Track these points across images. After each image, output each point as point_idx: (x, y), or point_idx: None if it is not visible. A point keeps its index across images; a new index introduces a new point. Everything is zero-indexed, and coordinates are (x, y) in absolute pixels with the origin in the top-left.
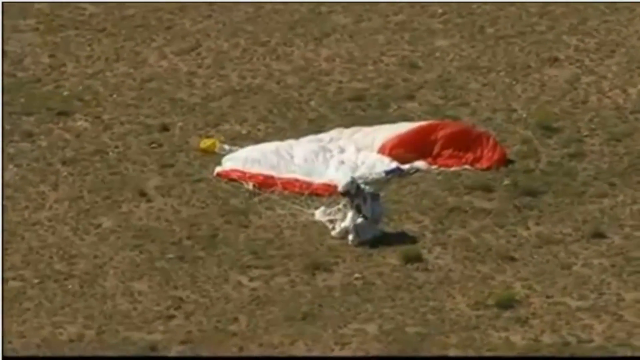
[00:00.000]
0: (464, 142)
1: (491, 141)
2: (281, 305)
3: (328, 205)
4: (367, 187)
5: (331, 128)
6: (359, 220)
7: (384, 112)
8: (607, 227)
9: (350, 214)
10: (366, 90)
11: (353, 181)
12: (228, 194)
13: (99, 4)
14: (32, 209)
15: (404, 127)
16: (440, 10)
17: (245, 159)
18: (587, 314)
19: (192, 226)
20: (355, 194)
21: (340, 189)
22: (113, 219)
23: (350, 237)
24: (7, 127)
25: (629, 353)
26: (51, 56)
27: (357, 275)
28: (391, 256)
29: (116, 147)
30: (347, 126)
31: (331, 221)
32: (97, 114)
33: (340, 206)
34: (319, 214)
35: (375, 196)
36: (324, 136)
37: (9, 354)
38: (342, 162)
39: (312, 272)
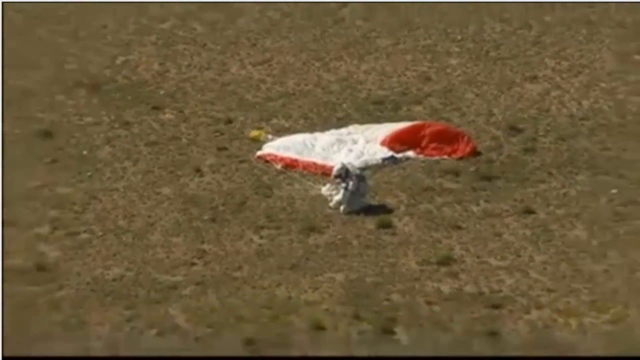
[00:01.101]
0: (445, 137)
1: (465, 138)
2: (277, 258)
3: (332, 183)
4: (357, 170)
5: (351, 124)
6: (348, 195)
7: (396, 114)
8: (537, 206)
9: (341, 191)
10: (387, 96)
11: (343, 166)
12: (261, 172)
13: (207, 25)
14: (113, 179)
15: (400, 125)
16: (459, 37)
17: (279, 146)
18: (503, 271)
19: (227, 195)
20: (345, 175)
21: (334, 172)
22: (171, 189)
23: (342, 207)
24: (112, 117)
25: (523, 301)
26: (160, 64)
27: (339, 236)
28: (369, 222)
29: (188, 134)
30: (362, 124)
31: (330, 195)
32: (181, 109)
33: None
34: (324, 190)
35: (361, 177)
36: (343, 130)
37: (10, 353)
38: (351, 151)
39: (308, 233)
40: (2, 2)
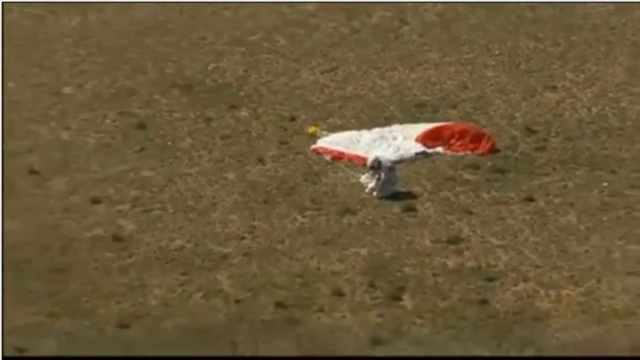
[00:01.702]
0: (469, 136)
1: (487, 137)
2: (314, 234)
3: (368, 173)
4: (388, 162)
5: (394, 124)
6: (380, 183)
7: (434, 116)
8: (538, 195)
9: (375, 179)
10: (428, 101)
11: (376, 158)
12: (313, 163)
13: (288, 37)
14: (189, 165)
15: (430, 126)
16: (497, 52)
17: (330, 141)
18: (501, 250)
19: (281, 181)
20: (377, 166)
21: (368, 163)
22: (235, 175)
23: (374, 193)
24: (197, 113)
25: (513, 275)
26: (244, 70)
27: (369, 217)
28: (396, 206)
29: (258, 129)
30: (403, 123)
31: (366, 183)
32: (255, 108)
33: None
34: (362, 178)
35: (391, 168)
36: (386, 129)
37: (10, 353)
38: (389, 146)
39: (343, 214)
40: (2, 2)
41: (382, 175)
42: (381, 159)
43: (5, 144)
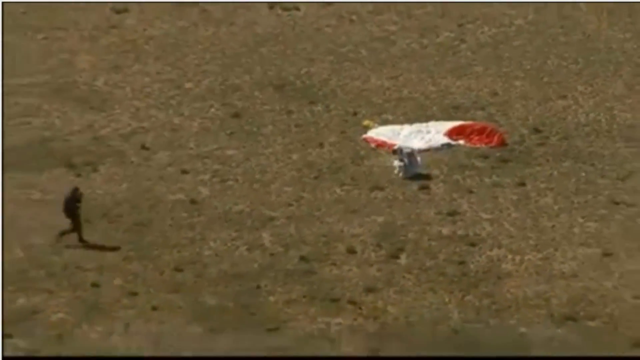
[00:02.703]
0: (485, 132)
1: (499, 133)
2: (346, 204)
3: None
4: (409, 149)
5: (432, 121)
6: (403, 167)
7: (465, 115)
8: (528, 181)
9: (399, 163)
10: (463, 104)
11: (399, 147)
12: (361, 149)
13: (370, 50)
14: (264, 147)
15: (457, 123)
16: (528, 67)
17: (378, 132)
18: (487, 222)
19: (332, 162)
20: (399, 153)
21: (393, 149)
22: (298, 156)
23: (400, 174)
24: (282, 107)
25: (491, 242)
26: (328, 75)
27: (392, 193)
28: (415, 185)
29: (325, 121)
30: (438, 120)
31: (395, 167)
32: (328, 104)
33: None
34: (395, 163)
35: (410, 154)
36: (423, 125)
37: (11, 353)
38: (422, 138)
39: (373, 190)
40: (2, 2)
41: (405, 159)
42: (402, 147)
43: (129, 125)
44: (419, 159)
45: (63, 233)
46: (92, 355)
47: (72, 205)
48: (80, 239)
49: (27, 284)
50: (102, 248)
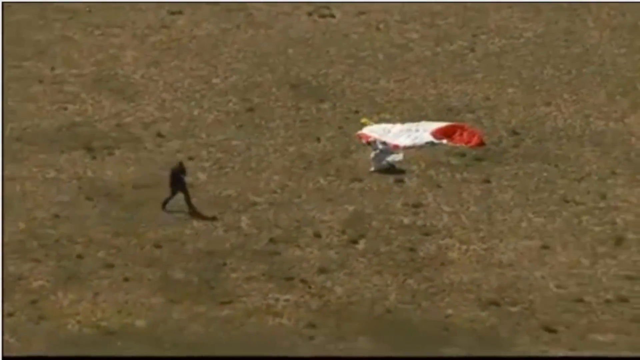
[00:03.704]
0: (466, 133)
1: (478, 134)
2: (325, 193)
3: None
4: (378, 143)
5: (423, 121)
6: (374, 155)
7: (455, 117)
8: (494, 178)
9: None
10: (456, 107)
11: (374, 138)
12: (353, 144)
13: (387, 55)
14: (267, 138)
15: (443, 124)
16: (524, 75)
17: (371, 130)
18: (446, 214)
19: (323, 155)
20: (374, 143)
21: (368, 141)
22: (294, 148)
23: (372, 167)
24: (293, 104)
25: (444, 232)
26: (342, 77)
27: (369, 185)
28: (391, 178)
29: (328, 117)
30: (429, 121)
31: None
32: (335, 102)
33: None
34: (372, 155)
35: (382, 148)
36: (414, 124)
37: (11, 352)
38: (409, 136)
39: (352, 181)
40: (2, 2)
41: (377, 149)
42: (377, 139)
43: (152, 115)
44: (393, 154)
45: (165, 202)
46: (94, 355)
47: (178, 176)
48: (189, 205)
49: (20, 253)
50: (199, 216)
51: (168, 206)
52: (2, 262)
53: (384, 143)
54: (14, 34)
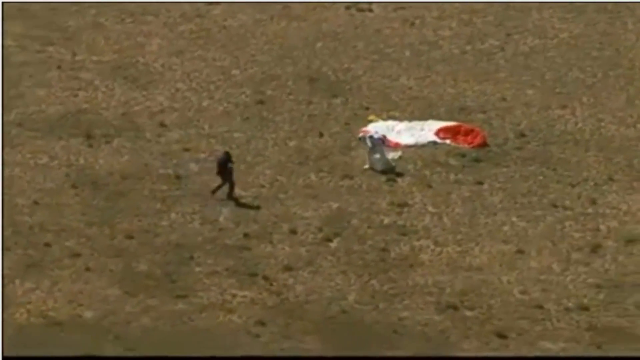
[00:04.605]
0: (470, 134)
1: (481, 134)
2: (313, 190)
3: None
4: (367, 141)
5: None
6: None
7: (465, 117)
8: (487, 181)
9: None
10: (469, 106)
11: (363, 136)
12: (354, 140)
13: (414, 52)
14: (272, 131)
15: (446, 124)
16: (547, 77)
17: (375, 126)
18: (429, 215)
19: (321, 151)
20: (364, 140)
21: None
22: (295, 143)
23: (366, 165)
24: (305, 97)
25: (422, 233)
26: (363, 72)
27: (359, 183)
28: (383, 177)
29: (337, 113)
30: (440, 121)
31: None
32: (347, 98)
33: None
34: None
35: (373, 144)
36: (419, 122)
37: (11, 353)
38: (412, 135)
39: (343, 178)
40: (2, 2)
41: (369, 147)
42: (369, 136)
43: (161, 104)
44: (387, 153)
45: (215, 190)
46: (85, 355)
47: (225, 165)
48: (230, 195)
49: None
50: (245, 205)
51: (218, 194)
52: (2, 260)
53: (371, 137)
54: (47, 19)
